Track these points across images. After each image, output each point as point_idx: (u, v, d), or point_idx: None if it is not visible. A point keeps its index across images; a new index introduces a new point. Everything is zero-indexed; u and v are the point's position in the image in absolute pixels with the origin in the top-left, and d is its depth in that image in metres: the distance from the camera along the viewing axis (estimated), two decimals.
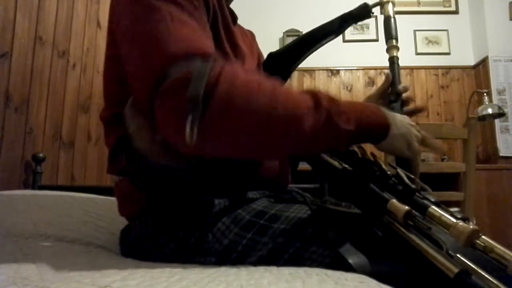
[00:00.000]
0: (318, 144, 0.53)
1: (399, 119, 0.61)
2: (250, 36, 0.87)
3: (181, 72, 0.47)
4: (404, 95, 0.77)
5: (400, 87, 0.76)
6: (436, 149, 0.68)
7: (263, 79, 0.51)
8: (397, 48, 0.78)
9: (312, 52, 0.84)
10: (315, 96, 0.52)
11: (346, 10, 0.82)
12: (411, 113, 0.77)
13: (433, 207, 0.44)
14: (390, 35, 0.79)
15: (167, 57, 0.49)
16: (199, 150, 0.50)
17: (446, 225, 0.40)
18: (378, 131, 0.58)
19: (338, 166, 0.58)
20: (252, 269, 0.46)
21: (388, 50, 0.79)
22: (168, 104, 0.48)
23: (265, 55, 0.91)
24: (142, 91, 0.52)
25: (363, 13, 0.78)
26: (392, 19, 0.79)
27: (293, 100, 0.51)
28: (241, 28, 0.83)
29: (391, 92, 0.78)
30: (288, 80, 0.89)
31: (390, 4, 0.81)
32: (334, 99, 0.54)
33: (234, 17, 0.74)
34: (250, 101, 0.48)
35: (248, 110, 0.47)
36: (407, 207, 0.44)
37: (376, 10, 0.81)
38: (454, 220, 0.40)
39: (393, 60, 0.78)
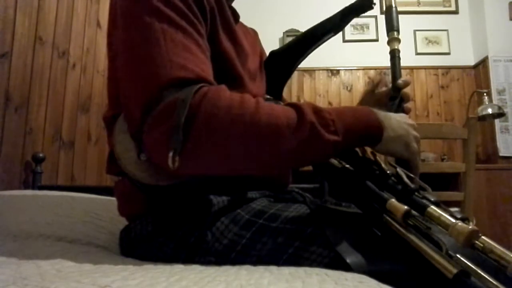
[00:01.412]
0: (305, 157, 0.54)
1: (396, 120, 0.59)
2: (252, 34, 0.87)
3: (169, 100, 0.48)
4: (403, 91, 0.75)
5: (399, 81, 0.74)
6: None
7: (246, 98, 0.51)
8: (399, 41, 0.76)
9: (314, 49, 0.82)
10: (299, 110, 0.52)
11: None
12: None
13: (432, 207, 0.44)
14: (391, 26, 0.76)
15: (158, 83, 0.50)
16: (185, 173, 0.52)
17: (445, 225, 0.40)
18: (371, 136, 0.57)
19: (338, 165, 0.58)
20: (252, 269, 0.46)
21: (389, 43, 0.76)
22: (154, 132, 0.49)
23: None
24: (133, 114, 0.53)
25: (364, 4, 0.75)
26: (394, 9, 0.76)
27: (275, 118, 0.50)
28: (243, 26, 0.83)
29: (392, 87, 0.76)
30: (288, 80, 0.89)
31: None
32: (321, 110, 0.53)
33: (236, 16, 0.74)
34: (230, 124, 0.48)
35: (229, 133, 0.48)
36: (406, 207, 0.44)
37: (376, 10, 0.80)
38: (453, 220, 0.40)
39: (394, 54, 0.75)
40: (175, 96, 0.48)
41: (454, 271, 0.37)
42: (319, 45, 0.82)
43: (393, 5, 0.77)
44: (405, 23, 3.21)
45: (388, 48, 0.78)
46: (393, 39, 0.76)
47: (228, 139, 0.48)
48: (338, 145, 0.53)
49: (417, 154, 0.60)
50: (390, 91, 0.76)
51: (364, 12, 0.76)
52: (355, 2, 0.77)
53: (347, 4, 0.76)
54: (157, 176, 0.54)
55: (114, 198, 0.69)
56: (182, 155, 0.47)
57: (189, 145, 0.47)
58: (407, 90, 0.76)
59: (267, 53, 0.87)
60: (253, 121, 0.49)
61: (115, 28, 0.58)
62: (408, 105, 0.76)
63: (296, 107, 0.53)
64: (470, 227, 0.38)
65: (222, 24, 0.64)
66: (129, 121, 0.55)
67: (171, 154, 0.46)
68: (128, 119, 0.56)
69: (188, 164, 0.48)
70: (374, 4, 0.75)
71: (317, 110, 0.53)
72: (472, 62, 3.27)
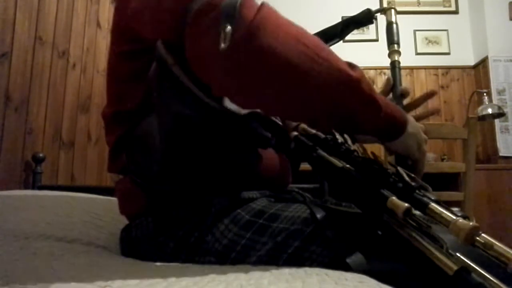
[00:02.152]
0: (355, 105, 0.53)
1: (412, 119, 0.62)
2: None
3: None
4: (405, 100, 0.78)
5: (401, 88, 0.78)
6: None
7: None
8: (399, 53, 0.81)
9: None
10: (351, 64, 0.53)
11: (345, 11, 0.83)
12: (424, 116, 0.79)
13: (433, 204, 0.44)
14: (392, 40, 0.81)
15: None
16: (230, 79, 0.49)
17: (446, 222, 0.40)
18: (398, 124, 0.58)
19: (338, 165, 0.58)
20: (252, 269, 0.46)
21: (389, 55, 0.81)
22: (202, 19, 0.48)
23: None
24: (171, 18, 0.52)
25: (366, 18, 0.80)
26: (394, 25, 0.81)
27: (334, 54, 0.51)
28: None
29: (392, 96, 0.80)
30: None
31: (393, 11, 0.83)
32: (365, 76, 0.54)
33: None
34: (296, 36, 0.48)
35: (291, 33, 0.48)
36: (407, 204, 0.44)
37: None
38: (454, 217, 0.40)
39: (394, 65, 0.80)
40: None
41: (455, 267, 0.37)
42: None
43: (394, 21, 0.82)
44: (405, 23, 3.22)
45: (387, 49, 0.82)
46: (393, 52, 0.81)
47: (289, 39, 0.47)
48: (380, 111, 0.54)
49: (425, 155, 0.62)
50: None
51: (365, 26, 0.80)
52: (356, 15, 0.80)
53: (346, 6, 0.79)
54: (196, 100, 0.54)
55: (114, 198, 0.69)
56: (234, 44, 0.45)
57: (242, 33, 0.45)
58: (407, 98, 0.80)
59: None
60: (316, 43, 0.49)
61: None
62: (411, 113, 0.79)
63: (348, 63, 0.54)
64: (471, 223, 0.38)
65: None
66: (167, 28, 0.53)
67: (228, 28, 0.44)
68: (165, 30, 0.54)
69: (238, 59, 0.46)
70: (375, 19, 0.79)
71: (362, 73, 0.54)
72: (472, 62, 3.27)
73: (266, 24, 0.46)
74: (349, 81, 0.50)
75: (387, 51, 0.82)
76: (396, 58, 0.80)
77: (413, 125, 0.61)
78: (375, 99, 0.53)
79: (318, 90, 0.50)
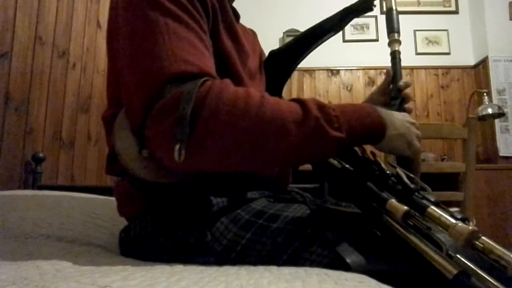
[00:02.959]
0: (309, 154, 0.53)
1: (398, 119, 0.60)
2: (251, 35, 0.87)
3: (173, 93, 0.48)
4: (404, 92, 0.76)
5: (401, 82, 0.75)
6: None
7: (251, 92, 0.51)
8: (399, 42, 0.77)
9: (313, 49, 0.83)
10: (303, 105, 0.52)
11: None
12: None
13: (432, 207, 0.43)
14: (392, 28, 0.77)
15: (162, 77, 0.49)
16: (190, 169, 0.51)
17: (445, 226, 0.40)
18: (374, 134, 0.57)
19: (338, 166, 0.58)
20: (252, 269, 0.46)
21: (389, 44, 0.77)
22: (159, 126, 0.49)
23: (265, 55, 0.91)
24: (136, 109, 0.53)
25: (365, 6, 0.76)
26: (394, 12, 0.77)
27: (280, 112, 0.50)
28: (243, 27, 0.83)
29: (392, 88, 0.77)
30: (288, 80, 0.88)
31: None
32: (325, 106, 0.53)
33: (236, 16, 0.74)
34: (236, 117, 0.48)
35: (235, 126, 0.48)
36: (406, 207, 0.44)
37: (376, 10, 0.80)
38: (453, 221, 0.40)
39: (394, 55, 0.76)
40: (179, 89, 0.48)
41: (454, 271, 0.37)
42: (318, 45, 0.82)
43: (394, 7, 0.78)
44: (405, 23, 3.21)
45: (388, 48, 0.79)
46: (393, 41, 0.77)
47: (233, 132, 0.48)
48: (342, 142, 0.53)
49: (419, 153, 0.60)
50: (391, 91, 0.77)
51: (364, 13, 0.77)
52: (355, 3, 0.77)
53: (346, 4, 0.76)
54: (158, 173, 0.54)
55: (114, 198, 0.69)
56: (187, 149, 0.47)
57: (193, 139, 0.47)
58: (407, 90, 0.76)
59: (267, 54, 0.87)
60: (258, 115, 0.49)
61: (117, 24, 0.58)
62: (409, 105, 0.76)
63: (300, 102, 0.53)
64: (470, 227, 0.38)
65: (224, 22, 0.65)
66: (131, 116, 0.55)
67: (177, 146, 0.46)
68: (130, 114, 0.56)
69: (192, 159, 0.48)
70: (374, 6, 0.76)
71: (321, 106, 0.53)
72: (472, 62, 3.27)
73: (215, 129, 0.48)
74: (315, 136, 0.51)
75: (387, 50, 0.78)
76: (397, 48, 0.76)
77: (398, 126, 0.59)
78: (331, 138, 0.52)
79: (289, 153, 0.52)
